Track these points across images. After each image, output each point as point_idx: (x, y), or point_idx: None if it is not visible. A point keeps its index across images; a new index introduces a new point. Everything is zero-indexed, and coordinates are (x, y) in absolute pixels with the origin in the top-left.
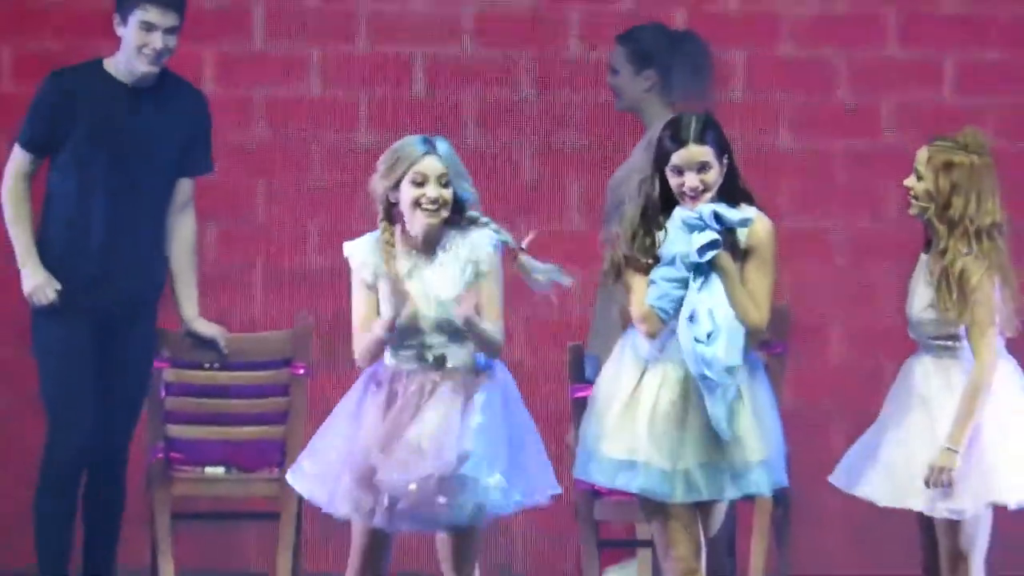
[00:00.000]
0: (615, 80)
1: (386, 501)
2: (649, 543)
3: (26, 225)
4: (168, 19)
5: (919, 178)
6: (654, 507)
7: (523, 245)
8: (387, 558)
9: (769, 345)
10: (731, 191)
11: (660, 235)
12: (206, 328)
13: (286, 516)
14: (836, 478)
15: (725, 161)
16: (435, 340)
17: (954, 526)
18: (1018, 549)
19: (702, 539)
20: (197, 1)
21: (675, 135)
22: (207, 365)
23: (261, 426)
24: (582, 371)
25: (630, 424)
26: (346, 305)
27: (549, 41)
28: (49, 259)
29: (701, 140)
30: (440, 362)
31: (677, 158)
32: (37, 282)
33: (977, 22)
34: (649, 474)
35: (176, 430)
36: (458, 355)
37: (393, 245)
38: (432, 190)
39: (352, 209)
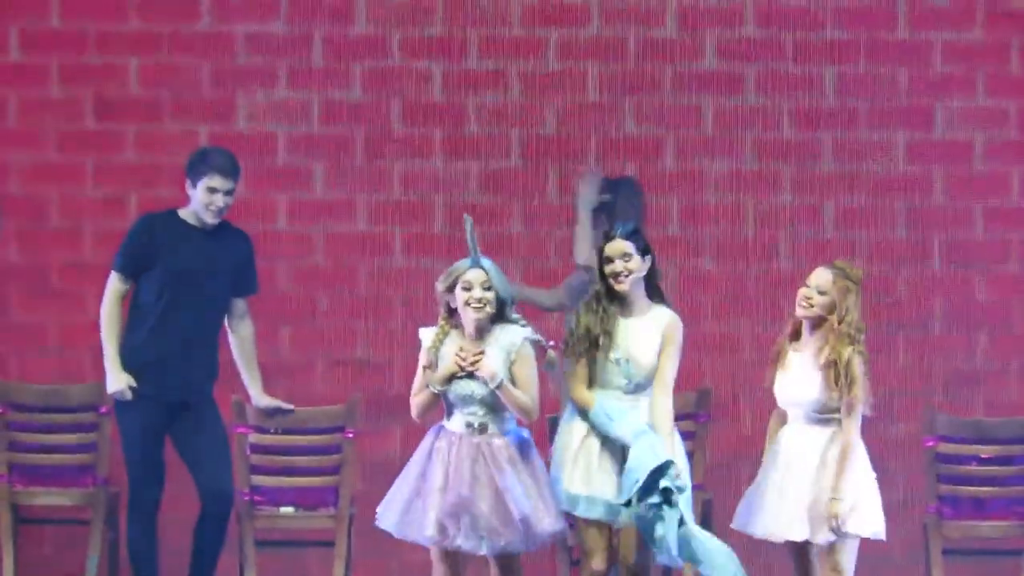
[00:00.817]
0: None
1: (463, 530)
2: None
3: (115, 338)
4: (228, 183)
5: (822, 293)
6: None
7: (551, 344)
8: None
9: (696, 416)
10: (650, 287)
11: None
12: (268, 402)
13: (340, 543)
14: (735, 523)
15: (647, 260)
16: (480, 411)
17: (832, 550)
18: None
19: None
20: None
21: (608, 234)
22: (272, 430)
23: (321, 476)
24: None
25: (584, 465)
26: (385, 387)
27: None
28: (135, 361)
29: (626, 237)
30: (482, 429)
31: (607, 249)
32: (120, 385)
33: (851, 175)
34: (604, 504)
35: (258, 479)
36: (495, 424)
37: (446, 334)
38: (477, 292)
39: (391, 315)
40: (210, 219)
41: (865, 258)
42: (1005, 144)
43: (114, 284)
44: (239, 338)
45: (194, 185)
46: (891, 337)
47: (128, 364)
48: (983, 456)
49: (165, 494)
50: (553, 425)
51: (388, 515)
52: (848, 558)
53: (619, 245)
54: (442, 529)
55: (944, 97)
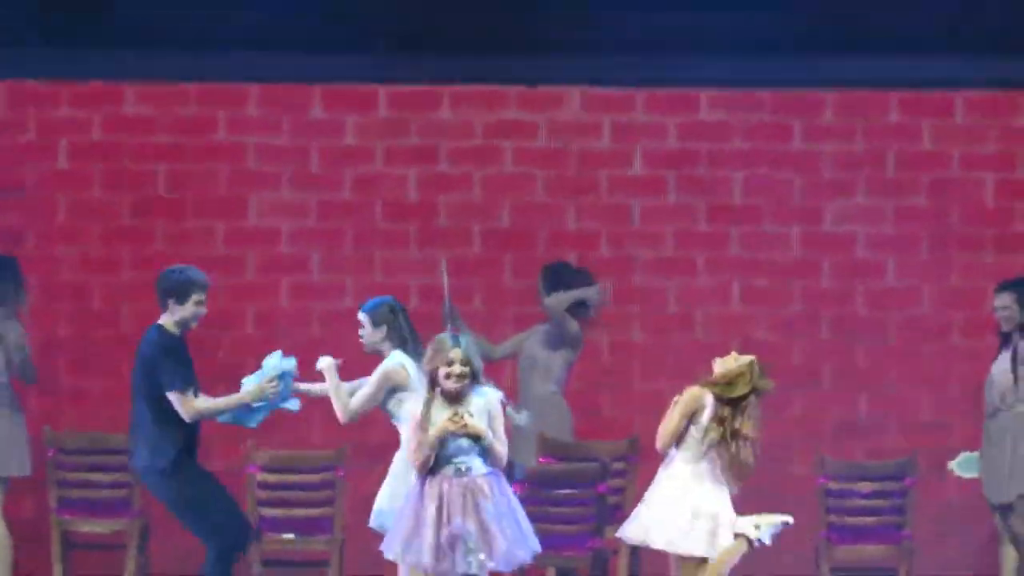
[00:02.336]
0: (544, 299)
1: (459, 556)
2: None
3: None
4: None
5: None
6: None
7: (509, 401)
8: None
9: (628, 458)
10: None
11: None
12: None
13: (334, 564)
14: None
15: None
16: (466, 459)
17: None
18: None
19: None
20: None
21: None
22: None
23: (317, 508)
24: (512, 475)
25: None
26: (370, 437)
27: None
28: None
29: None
30: (468, 471)
31: None
32: None
33: (754, 261)
34: None
35: (264, 510)
36: (478, 465)
37: (432, 402)
38: (457, 368)
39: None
40: (194, 326)
41: (765, 328)
42: (881, 236)
43: (187, 398)
44: None
45: (181, 302)
46: (788, 394)
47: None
48: (864, 492)
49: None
50: (511, 466)
51: (391, 548)
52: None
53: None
54: (439, 557)
55: (831, 198)
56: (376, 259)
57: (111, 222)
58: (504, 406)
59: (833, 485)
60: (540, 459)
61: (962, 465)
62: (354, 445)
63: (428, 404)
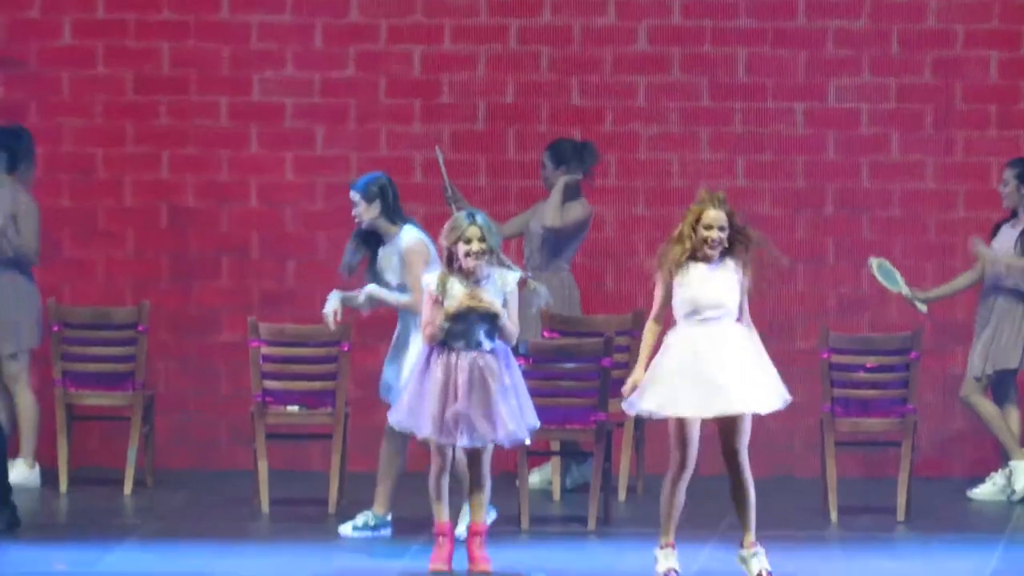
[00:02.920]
0: (544, 172)
1: (458, 433)
2: (559, 452)
3: None
4: None
5: (722, 229)
6: None
7: (530, 274)
8: (453, 463)
9: (632, 332)
10: None
11: None
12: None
13: (337, 437)
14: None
15: None
16: (478, 335)
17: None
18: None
19: None
20: None
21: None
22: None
23: (321, 381)
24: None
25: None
26: (375, 310)
27: None
28: None
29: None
30: (477, 346)
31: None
32: None
33: (759, 137)
34: None
35: (269, 384)
36: (487, 342)
37: (448, 278)
38: (475, 246)
39: None
40: None
41: (769, 204)
42: (886, 112)
43: None
44: None
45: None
46: (792, 270)
47: None
48: (868, 366)
49: (192, 391)
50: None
51: (394, 415)
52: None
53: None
54: (440, 429)
55: (835, 76)
56: (380, 134)
57: (115, 97)
58: (524, 281)
59: (837, 359)
60: (544, 333)
61: (882, 269)
62: (358, 320)
63: (444, 280)
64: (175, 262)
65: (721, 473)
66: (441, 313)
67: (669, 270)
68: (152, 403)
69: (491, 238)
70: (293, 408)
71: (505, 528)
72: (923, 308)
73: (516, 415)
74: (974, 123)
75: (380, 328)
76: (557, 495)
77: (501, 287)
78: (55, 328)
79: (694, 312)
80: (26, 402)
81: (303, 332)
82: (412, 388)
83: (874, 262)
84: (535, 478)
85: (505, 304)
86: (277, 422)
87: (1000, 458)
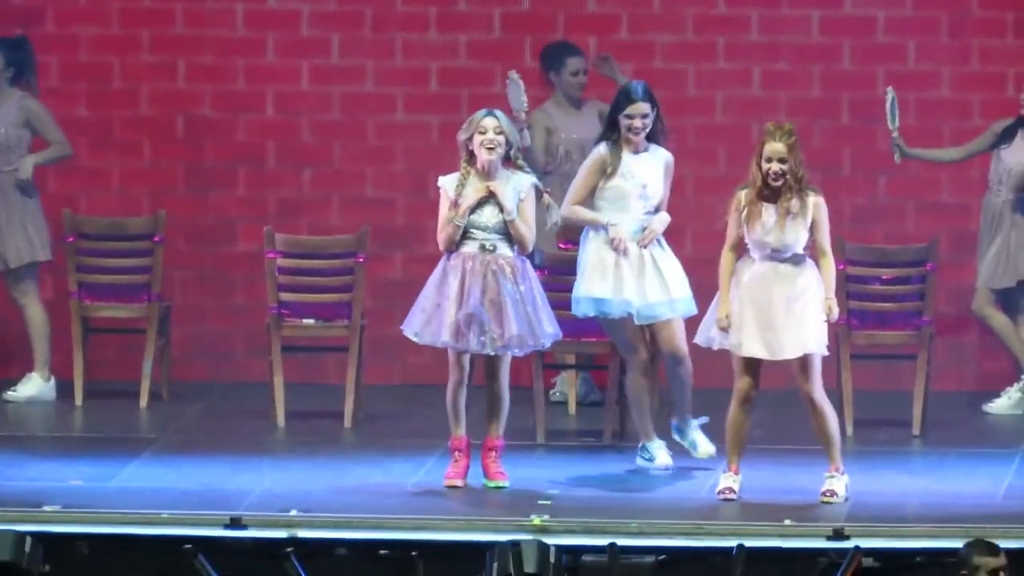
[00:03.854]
0: (583, 79)
1: (471, 340)
2: (572, 366)
3: None
4: None
5: (782, 161)
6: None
7: (548, 189)
8: (472, 368)
9: None
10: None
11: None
12: None
13: (352, 349)
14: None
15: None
16: (492, 237)
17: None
18: None
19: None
20: None
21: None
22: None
23: (337, 293)
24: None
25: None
26: (389, 221)
27: None
28: None
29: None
30: (493, 250)
31: (631, 109)
32: None
33: (774, 45)
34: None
35: (285, 296)
36: (503, 247)
37: (468, 175)
38: (491, 136)
39: (394, 161)
40: None
41: (786, 114)
42: (902, 19)
43: None
44: None
45: None
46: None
47: None
48: (884, 277)
49: (208, 303)
50: (532, 253)
51: (409, 326)
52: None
53: (640, 107)
54: (456, 335)
55: None
56: (396, 41)
57: (131, 2)
58: (540, 193)
59: (853, 270)
60: (560, 245)
61: (893, 101)
62: (374, 229)
63: (463, 179)
64: (191, 172)
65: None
66: (456, 212)
67: (738, 211)
68: (168, 315)
69: (509, 133)
70: (309, 320)
71: (520, 442)
72: (897, 157)
73: (527, 322)
74: (990, 30)
75: (395, 237)
76: (573, 409)
77: (515, 190)
78: (70, 239)
79: (761, 251)
80: (35, 315)
81: (319, 243)
82: (428, 297)
83: (891, 92)
84: (557, 391)
85: (520, 212)
86: (293, 335)
87: (1016, 371)
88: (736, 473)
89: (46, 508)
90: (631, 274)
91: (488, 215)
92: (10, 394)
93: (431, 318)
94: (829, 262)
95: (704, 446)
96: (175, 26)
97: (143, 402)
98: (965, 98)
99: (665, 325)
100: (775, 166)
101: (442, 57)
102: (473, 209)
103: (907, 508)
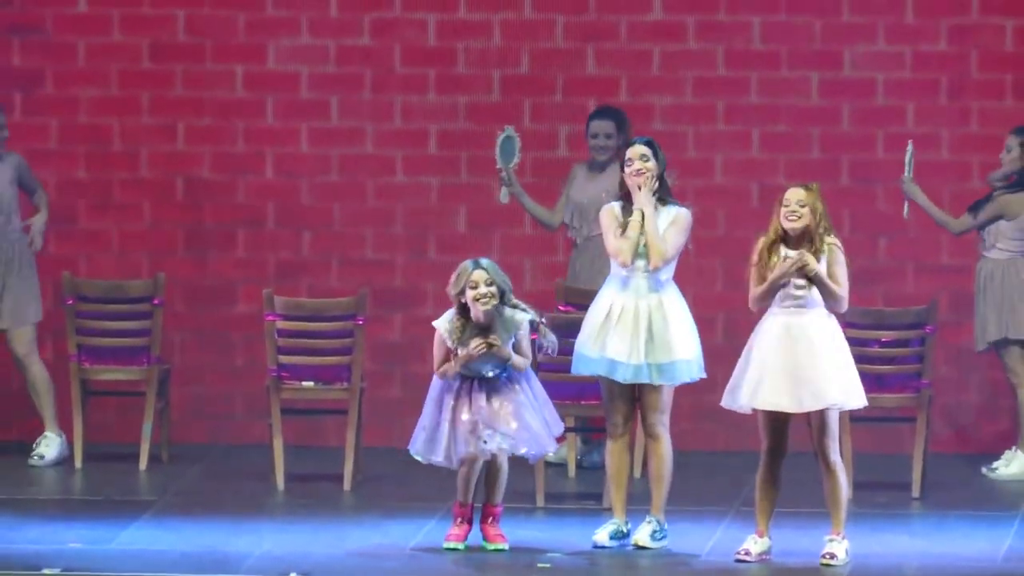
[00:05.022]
0: (607, 142)
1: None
2: (572, 429)
3: None
4: None
5: (803, 206)
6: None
7: (543, 320)
8: (477, 480)
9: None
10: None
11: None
12: None
13: (352, 411)
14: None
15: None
16: (488, 371)
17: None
18: None
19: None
20: None
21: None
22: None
23: (336, 356)
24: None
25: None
26: (389, 283)
27: None
28: None
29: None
30: (491, 379)
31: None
32: None
33: (774, 108)
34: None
35: (284, 358)
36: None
37: (463, 328)
38: (483, 289)
39: (393, 223)
40: None
41: (785, 175)
42: (901, 81)
43: None
44: None
45: None
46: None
47: None
48: (883, 340)
49: (208, 365)
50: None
51: (414, 445)
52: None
53: (637, 149)
54: (461, 440)
55: (851, 43)
56: (395, 104)
57: (131, 65)
58: (537, 327)
59: (851, 333)
60: (560, 307)
61: (911, 153)
62: (373, 291)
63: (457, 333)
64: (191, 234)
65: (738, 449)
66: (452, 362)
67: (760, 259)
68: (167, 377)
69: (499, 278)
70: (308, 383)
71: (520, 505)
72: (906, 208)
73: (540, 423)
74: (989, 92)
75: (394, 299)
76: (572, 471)
77: (512, 329)
78: (69, 301)
79: (782, 301)
80: (37, 375)
81: (319, 306)
82: (429, 416)
83: (910, 145)
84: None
85: (516, 346)
86: (292, 397)
87: (1017, 435)
88: (761, 536)
89: (46, 572)
90: (622, 331)
91: (486, 365)
92: (35, 459)
93: (432, 437)
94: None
95: None
96: (175, 88)
97: (143, 464)
98: (964, 160)
99: (646, 391)
100: (793, 207)
101: (441, 119)
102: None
103: (907, 570)
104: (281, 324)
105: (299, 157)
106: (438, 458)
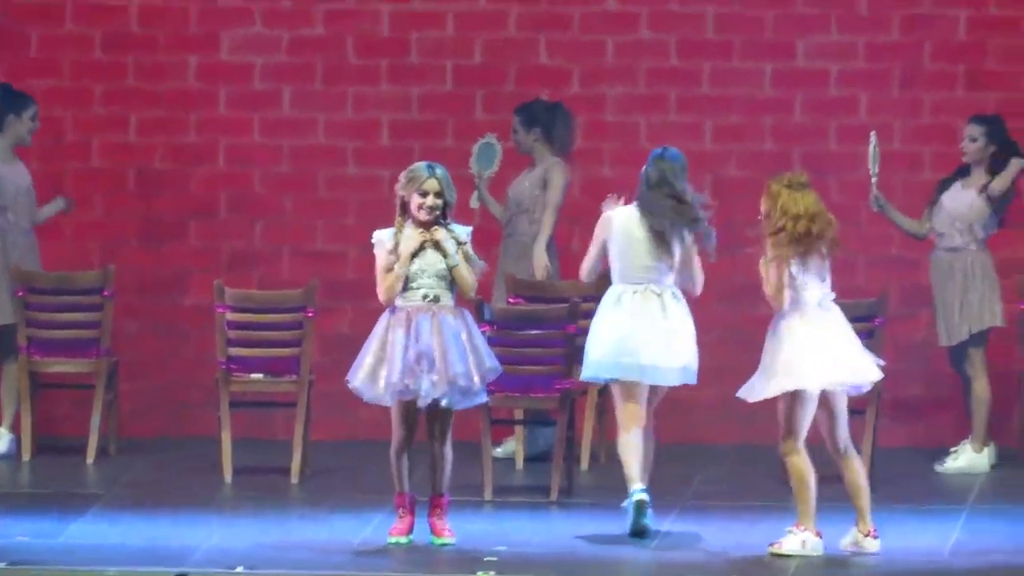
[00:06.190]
0: (515, 136)
1: (421, 389)
2: (520, 421)
3: None
4: None
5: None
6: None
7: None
8: (416, 427)
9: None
10: None
11: None
12: None
13: (301, 404)
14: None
15: None
16: (435, 284)
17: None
18: None
19: None
20: None
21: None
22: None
23: (285, 348)
24: (482, 314)
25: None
26: (340, 274)
27: None
28: None
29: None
30: (436, 299)
31: None
32: None
33: (726, 98)
34: None
35: (233, 351)
36: (446, 297)
37: (403, 226)
38: (430, 200)
39: (345, 215)
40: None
41: (736, 166)
42: (854, 72)
43: None
44: None
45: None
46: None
47: None
48: None
49: (158, 356)
50: (480, 307)
51: (355, 378)
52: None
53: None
54: (404, 387)
55: (804, 33)
56: (348, 94)
57: (83, 55)
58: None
59: None
60: (509, 299)
61: (876, 147)
62: (324, 282)
63: (399, 230)
64: (143, 225)
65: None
66: (398, 260)
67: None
68: (116, 370)
69: (449, 192)
70: (257, 375)
71: (468, 498)
72: (874, 205)
73: (464, 362)
74: (941, 83)
75: (345, 291)
76: (520, 464)
77: (453, 238)
78: (19, 293)
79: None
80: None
81: (268, 297)
82: (373, 352)
83: (873, 137)
84: (499, 450)
85: (461, 254)
86: (241, 389)
87: (967, 430)
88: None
89: None
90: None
91: (429, 262)
92: None
93: (375, 374)
94: None
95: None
96: (127, 79)
97: (91, 458)
98: (916, 151)
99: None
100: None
101: (394, 110)
102: (413, 258)
103: (854, 563)
104: (231, 316)
105: (251, 147)
106: (381, 396)
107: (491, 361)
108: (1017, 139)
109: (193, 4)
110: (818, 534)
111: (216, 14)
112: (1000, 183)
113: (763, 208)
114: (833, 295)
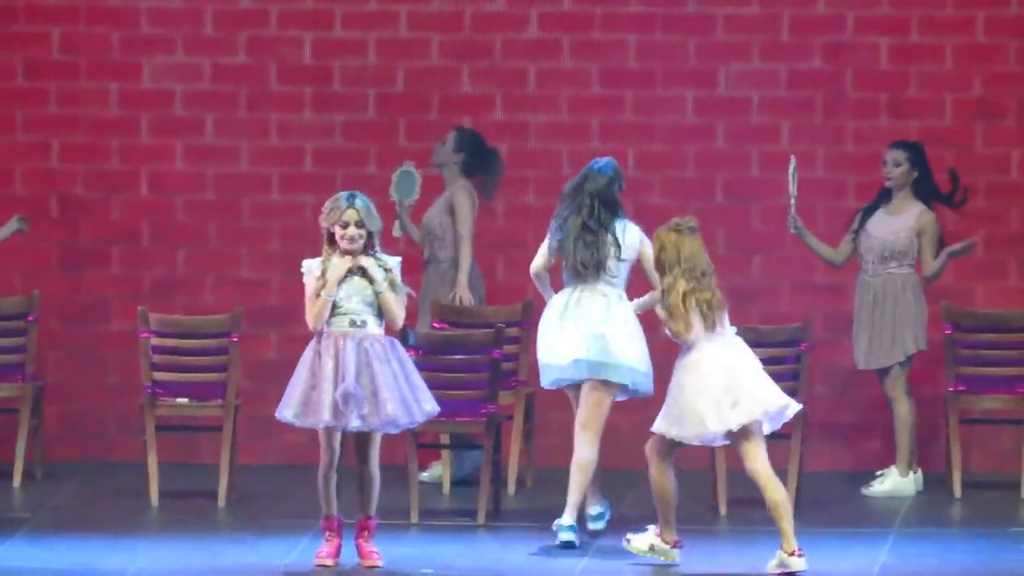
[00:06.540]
0: (440, 147)
1: (350, 418)
2: (446, 445)
3: None
4: None
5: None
6: None
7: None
8: (343, 450)
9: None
10: None
11: None
12: None
13: (227, 429)
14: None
15: None
16: (362, 311)
17: None
18: None
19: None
20: None
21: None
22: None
23: (211, 373)
24: (406, 340)
25: None
26: (264, 301)
27: None
28: None
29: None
30: (363, 325)
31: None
32: None
33: (649, 126)
34: None
35: (159, 375)
36: (373, 324)
37: (330, 256)
38: (351, 231)
39: (269, 241)
40: None
41: (659, 193)
42: (776, 99)
43: None
44: None
45: None
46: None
47: None
48: (759, 357)
49: (83, 381)
50: (405, 333)
51: (287, 409)
52: None
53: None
54: (335, 414)
55: (726, 61)
56: (271, 121)
57: (5, 82)
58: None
59: None
60: (434, 324)
61: (795, 169)
62: (249, 309)
63: (326, 260)
64: (65, 251)
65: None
66: (326, 284)
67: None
68: (41, 394)
69: (370, 221)
70: (183, 400)
71: (394, 521)
72: (791, 227)
73: (401, 402)
74: (863, 111)
75: (270, 317)
76: (447, 488)
77: (380, 266)
78: None
79: None
80: None
81: (193, 323)
82: (303, 379)
83: (793, 160)
84: (425, 474)
85: (391, 284)
86: (167, 414)
87: (892, 452)
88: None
89: None
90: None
91: (356, 288)
92: None
93: (308, 399)
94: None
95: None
96: (48, 106)
97: (16, 481)
98: (839, 178)
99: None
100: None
101: (317, 137)
102: (340, 284)
103: None
104: (155, 341)
105: (174, 175)
106: (319, 419)
107: (431, 405)
108: (937, 168)
109: (115, 31)
110: (676, 544)
111: (138, 42)
112: (936, 268)
113: (654, 254)
114: (734, 328)
